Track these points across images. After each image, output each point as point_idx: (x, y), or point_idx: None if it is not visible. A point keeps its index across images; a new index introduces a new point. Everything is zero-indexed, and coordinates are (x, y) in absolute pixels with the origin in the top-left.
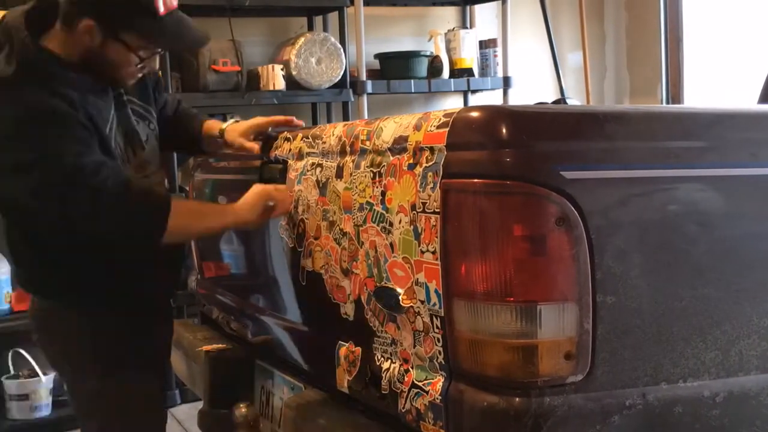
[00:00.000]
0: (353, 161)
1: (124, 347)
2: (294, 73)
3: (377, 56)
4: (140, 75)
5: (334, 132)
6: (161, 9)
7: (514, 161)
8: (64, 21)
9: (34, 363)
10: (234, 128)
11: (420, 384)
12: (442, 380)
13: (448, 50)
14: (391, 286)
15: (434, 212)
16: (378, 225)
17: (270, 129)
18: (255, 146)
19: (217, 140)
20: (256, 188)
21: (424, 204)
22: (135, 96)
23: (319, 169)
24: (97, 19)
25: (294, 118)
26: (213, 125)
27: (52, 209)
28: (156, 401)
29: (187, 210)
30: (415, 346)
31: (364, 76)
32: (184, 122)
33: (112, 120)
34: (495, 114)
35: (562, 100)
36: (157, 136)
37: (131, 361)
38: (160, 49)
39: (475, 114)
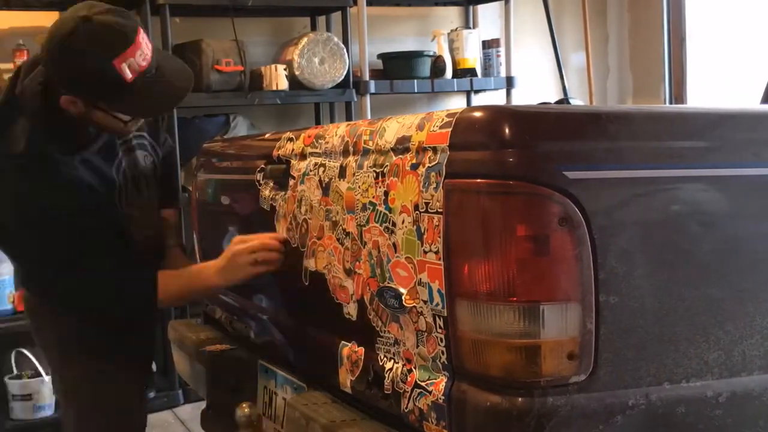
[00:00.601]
0: (356, 161)
1: (108, 341)
2: (297, 73)
3: (380, 56)
4: (135, 128)
5: (337, 132)
6: (128, 76)
7: (517, 161)
8: (50, 93)
9: (37, 363)
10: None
11: (423, 384)
12: (445, 380)
13: (451, 50)
14: (394, 286)
15: (437, 212)
16: (381, 225)
17: None
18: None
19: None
20: (236, 250)
21: (427, 204)
22: (145, 131)
23: (322, 170)
24: (74, 95)
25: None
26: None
27: (50, 285)
28: (134, 399)
29: (174, 291)
30: (418, 346)
31: (367, 76)
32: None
33: (122, 170)
34: (498, 114)
35: (565, 100)
36: (157, 163)
37: (115, 356)
38: (139, 117)
39: (478, 114)
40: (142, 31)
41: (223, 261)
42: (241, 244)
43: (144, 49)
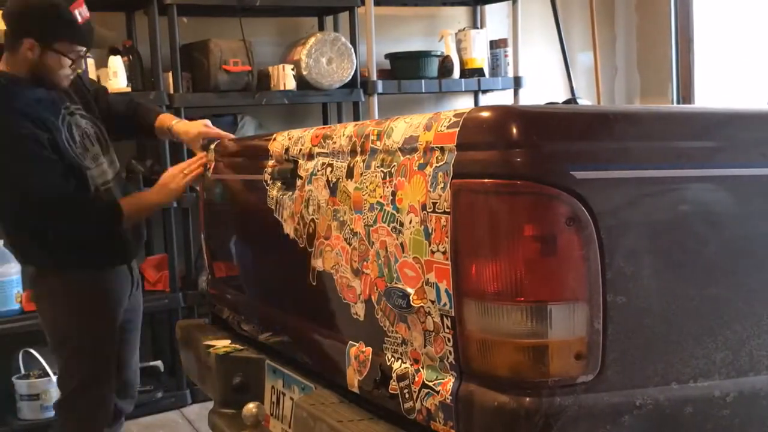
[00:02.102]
0: (364, 161)
1: (90, 298)
2: (305, 73)
3: (388, 56)
4: (72, 76)
5: (344, 132)
6: (79, 19)
7: (524, 161)
8: (9, 46)
9: (44, 363)
10: (183, 128)
11: (430, 384)
12: (453, 380)
13: (459, 50)
14: (401, 286)
15: (444, 212)
16: (388, 225)
17: (204, 141)
18: (203, 154)
19: (167, 133)
20: (168, 172)
21: (434, 204)
22: (80, 106)
23: (329, 169)
24: (35, 36)
25: (231, 135)
26: (165, 120)
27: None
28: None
29: (134, 209)
30: (425, 346)
31: (374, 76)
32: (139, 115)
33: (65, 126)
34: (505, 114)
35: (572, 100)
36: (103, 132)
37: (95, 310)
38: (84, 49)
39: (485, 114)
40: None
41: (160, 182)
42: (172, 168)
43: (85, 7)
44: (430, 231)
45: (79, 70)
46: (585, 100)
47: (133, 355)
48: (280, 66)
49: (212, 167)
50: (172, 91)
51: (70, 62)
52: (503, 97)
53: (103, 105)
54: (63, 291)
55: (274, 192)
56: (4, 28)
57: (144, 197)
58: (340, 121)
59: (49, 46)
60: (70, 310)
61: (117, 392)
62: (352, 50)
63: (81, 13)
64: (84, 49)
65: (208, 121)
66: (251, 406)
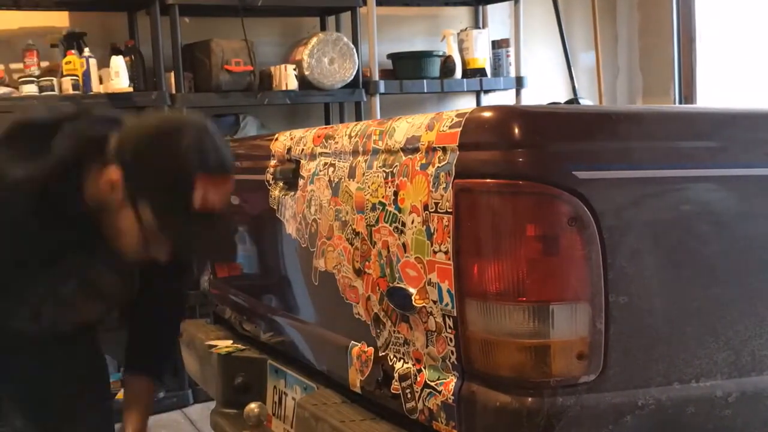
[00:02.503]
0: (366, 161)
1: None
2: (307, 73)
3: (390, 56)
4: (139, 258)
5: (346, 132)
6: (196, 204)
7: (526, 161)
8: (98, 159)
9: None
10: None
11: (432, 384)
12: (455, 380)
13: (461, 50)
14: (403, 286)
15: (447, 212)
16: (390, 225)
17: None
18: None
19: None
20: None
21: (436, 204)
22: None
23: (331, 169)
24: (126, 175)
25: None
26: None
27: None
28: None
29: None
30: (427, 346)
31: (376, 76)
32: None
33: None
34: (508, 114)
35: (574, 100)
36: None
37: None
38: (169, 240)
39: (487, 114)
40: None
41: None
42: None
43: (225, 194)
44: (432, 231)
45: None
46: (587, 100)
47: None
48: (282, 66)
49: None
50: (174, 91)
51: (141, 236)
52: (505, 98)
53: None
54: None
55: (276, 192)
56: None
57: None
58: (342, 121)
59: (131, 199)
60: None
61: None
62: (354, 50)
63: (209, 198)
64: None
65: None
66: (253, 406)
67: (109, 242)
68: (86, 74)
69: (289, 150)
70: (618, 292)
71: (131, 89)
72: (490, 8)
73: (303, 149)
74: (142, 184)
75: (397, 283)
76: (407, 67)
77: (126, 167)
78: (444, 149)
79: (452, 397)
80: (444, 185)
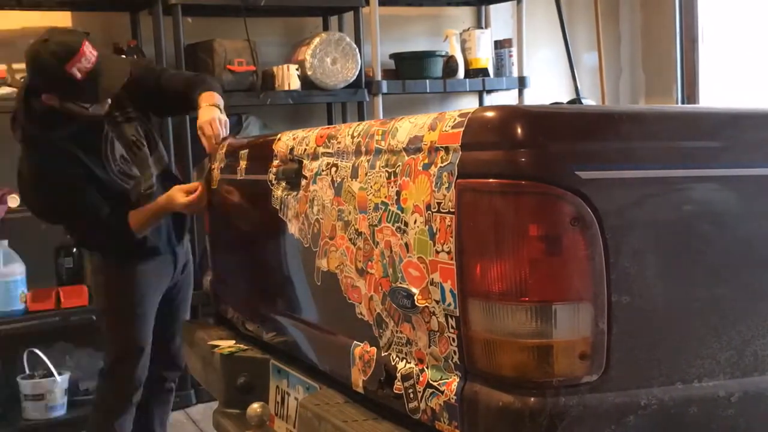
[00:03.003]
0: (368, 161)
1: (117, 285)
2: (309, 73)
3: (392, 56)
4: (103, 110)
5: (349, 132)
6: (78, 76)
7: (529, 161)
8: (34, 96)
9: (49, 363)
10: (199, 114)
11: (435, 384)
12: (457, 380)
13: (464, 50)
14: (406, 286)
15: (449, 212)
16: (393, 225)
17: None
18: (199, 187)
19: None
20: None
21: (439, 204)
22: (130, 108)
23: (334, 169)
24: (46, 91)
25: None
26: (201, 99)
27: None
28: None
29: (142, 222)
30: (430, 346)
31: (379, 76)
32: (188, 93)
33: (109, 139)
34: (510, 114)
35: (577, 100)
36: (152, 130)
37: (121, 295)
38: (91, 103)
39: (490, 114)
40: (87, 42)
41: (165, 198)
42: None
43: (88, 55)
44: (434, 231)
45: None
46: (590, 100)
47: (179, 330)
48: (285, 66)
49: (218, 167)
50: None
51: (86, 108)
52: (508, 98)
53: (159, 86)
54: (103, 276)
55: (278, 192)
56: None
57: (151, 208)
58: (344, 121)
59: (63, 100)
60: (104, 292)
61: (164, 363)
62: (357, 50)
63: (80, 68)
64: (88, 104)
65: (217, 117)
66: (256, 406)
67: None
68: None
69: (291, 150)
70: (620, 292)
71: None
72: (493, 8)
73: (306, 149)
74: (51, 89)
75: (400, 283)
76: (410, 67)
77: (42, 89)
78: (447, 149)
79: (455, 397)
80: (446, 185)
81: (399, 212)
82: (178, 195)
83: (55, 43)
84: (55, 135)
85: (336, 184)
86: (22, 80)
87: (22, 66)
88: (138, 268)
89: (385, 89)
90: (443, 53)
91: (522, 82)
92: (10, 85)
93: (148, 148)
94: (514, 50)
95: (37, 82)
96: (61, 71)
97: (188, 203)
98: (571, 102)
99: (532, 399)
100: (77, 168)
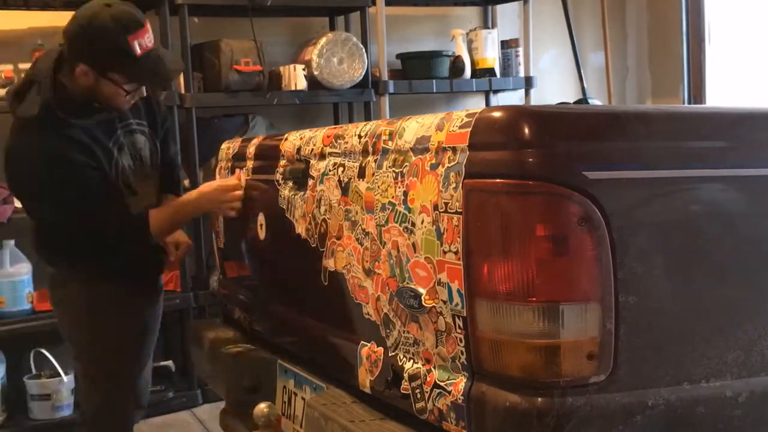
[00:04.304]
0: (375, 161)
1: (111, 311)
2: (316, 73)
3: (399, 56)
4: (132, 101)
5: (356, 132)
6: (138, 51)
7: (536, 161)
8: (68, 63)
9: (55, 363)
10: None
11: (442, 384)
12: (465, 380)
13: (470, 50)
14: (413, 287)
15: (456, 212)
16: (400, 225)
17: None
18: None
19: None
20: (211, 186)
21: (446, 204)
22: (144, 121)
23: (341, 169)
24: (88, 63)
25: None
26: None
27: (68, 225)
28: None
29: (162, 221)
30: (437, 346)
31: (386, 76)
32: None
33: (119, 144)
34: (517, 114)
35: (584, 101)
36: (156, 147)
37: (112, 323)
38: (140, 84)
39: (497, 114)
40: (148, 23)
41: (197, 194)
42: (218, 184)
43: (150, 35)
44: (441, 231)
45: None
46: (596, 101)
47: (148, 366)
48: (291, 66)
49: (224, 168)
50: (183, 91)
51: (125, 92)
52: (514, 98)
53: (164, 124)
54: (81, 300)
55: (285, 192)
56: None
57: (176, 206)
58: (351, 121)
59: (103, 75)
60: (87, 322)
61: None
62: (363, 50)
63: (141, 43)
64: (139, 84)
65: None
66: (263, 406)
67: (112, 109)
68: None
69: (298, 150)
70: (628, 292)
71: None
72: (500, 8)
73: (312, 149)
74: (97, 60)
75: (407, 283)
76: (416, 67)
77: (80, 57)
78: (454, 149)
79: (462, 398)
80: (454, 185)
81: (406, 212)
82: (218, 192)
83: (119, 10)
84: (80, 121)
85: (343, 184)
86: (52, 49)
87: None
88: (124, 291)
89: (391, 89)
90: (450, 53)
91: (529, 82)
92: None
93: (151, 167)
94: (521, 50)
95: (81, 47)
96: (121, 40)
97: (232, 201)
98: (577, 102)
99: (540, 399)
100: (93, 163)
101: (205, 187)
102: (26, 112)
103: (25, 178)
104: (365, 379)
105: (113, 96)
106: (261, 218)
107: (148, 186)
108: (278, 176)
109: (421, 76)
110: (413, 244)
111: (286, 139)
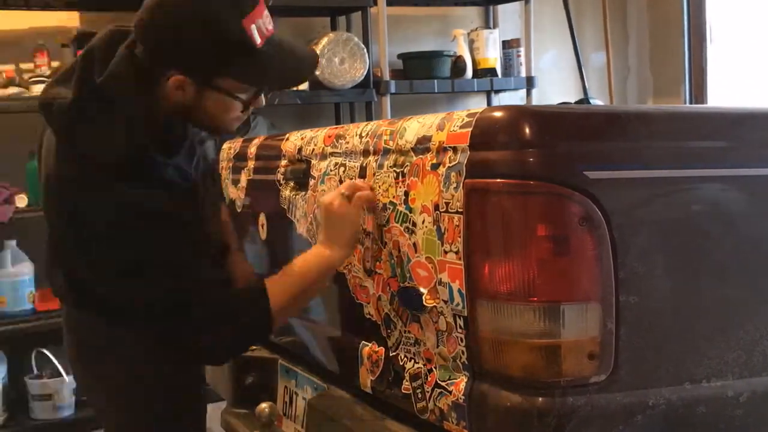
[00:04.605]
0: (376, 161)
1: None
2: (317, 72)
3: (400, 56)
4: (245, 118)
5: (357, 132)
6: (258, 41)
7: (537, 161)
8: (146, 74)
9: (57, 363)
10: None
11: (443, 384)
12: (465, 380)
13: (471, 50)
14: (414, 286)
15: (457, 212)
16: (401, 225)
17: None
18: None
19: None
20: (348, 218)
21: (447, 204)
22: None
23: (342, 170)
24: (187, 70)
25: None
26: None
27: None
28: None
29: (286, 292)
30: (438, 346)
31: (387, 76)
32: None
33: (198, 162)
34: (518, 114)
35: (585, 100)
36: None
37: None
38: (266, 87)
39: (498, 114)
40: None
41: (323, 227)
42: (325, 197)
43: (267, 15)
44: (442, 231)
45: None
46: (597, 100)
47: None
48: None
49: (225, 168)
50: None
51: (241, 105)
52: (516, 98)
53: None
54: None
55: (286, 192)
56: (140, 45)
57: (302, 268)
58: (352, 121)
59: (209, 83)
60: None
61: None
62: (365, 50)
63: (260, 27)
64: (265, 86)
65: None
66: (264, 406)
67: (213, 131)
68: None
69: (299, 150)
70: (629, 292)
71: None
72: (501, 8)
73: (314, 149)
74: (201, 60)
75: (408, 283)
76: (418, 67)
77: (173, 61)
78: (455, 149)
79: (463, 397)
80: (455, 185)
81: (407, 212)
82: (333, 201)
83: None
84: (163, 153)
85: None
86: (109, 55)
87: (30, 66)
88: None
89: (393, 89)
90: (451, 53)
91: (530, 82)
92: (18, 85)
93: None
94: (522, 50)
95: (172, 48)
96: (234, 26)
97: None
98: (579, 102)
99: (540, 399)
100: (181, 204)
101: (327, 211)
102: (104, 155)
103: (112, 245)
104: (366, 379)
105: (222, 113)
106: (262, 218)
107: (215, 208)
108: (279, 176)
109: (423, 76)
110: (414, 244)
111: (287, 139)
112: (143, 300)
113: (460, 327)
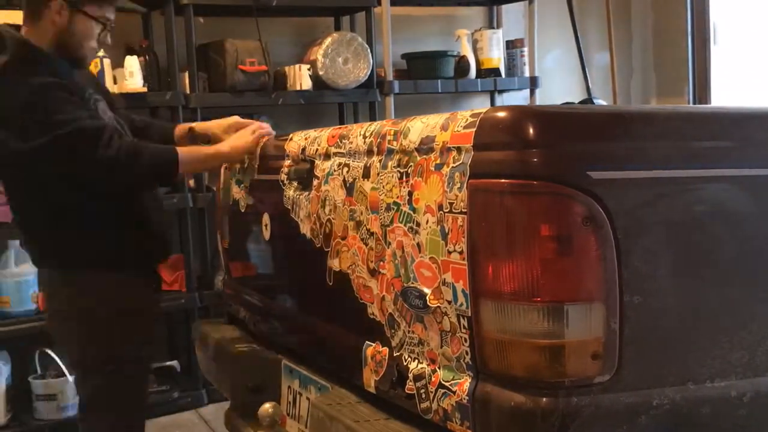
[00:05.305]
0: (380, 161)
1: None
2: (321, 73)
3: (404, 56)
4: (98, 51)
5: (361, 132)
6: None
7: (541, 161)
8: (34, 11)
9: (60, 363)
10: (212, 123)
11: (447, 384)
12: (469, 380)
13: (475, 50)
14: (418, 287)
15: (461, 212)
16: (405, 225)
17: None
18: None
19: (187, 135)
20: (245, 131)
21: (451, 204)
22: (102, 99)
23: (346, 170)
24: None
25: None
26: (183, 125)
27: (68, 167)
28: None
29: (192, 159)
30: (442, 346)
31: (391, 76)
32: (154, 125)
33: (93, 102)
34: (522, 114)
35: (588, 101)
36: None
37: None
38: (112, 18)
39: (502, 114)
40: None
41: (227, 140)
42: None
43: None
44: (446, 231)
45: (107, 42)
46: (601, 101)
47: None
48: (297, 66)
49: (228, 167)
50: (188, 91)
51: (98, 30)
52: (519, 98)
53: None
54: (87, 308)
55: (290, 192)
56: None
57: (205, 148)
58: (356, 121)
59: (78, 9)
60: (99, 335)
61: None
62: (369, 50)
63: None
64: (112, 17)
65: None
66: (267, 406)
67: (80, 61)
68: (100, 74)
69: (303, 150)
70: (632, 292)
71: (145, 89)
72: (505, 8)
73: (317, 149)
74: None
75: (412, 283)
76: (421, 67)
77: None
78: (459, 149)
79: (467, 398)
80: (458, 185)
81: (411, 212)
82: (249, 146)
83: None
84: (51, 68)
85: (348, 184)
86: None
87: None
88: (133, 292)
89: (396, 89)
90: (455, 53)
91: (534, 82)
92: None
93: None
94: (526, 50)
95: None
96: None
97: (255, 142)
98: (582, 102)
99: (544, 399)
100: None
101: (236, 140)
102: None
103: (15, 112)
104: (370, 379)
105: (85, 36)
106: (266, 218)
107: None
108: (283, 176)
109: (426, 76)
110: (418, 244)
111: (291, 139)
112: (65, 145)
113: (464, 327)
